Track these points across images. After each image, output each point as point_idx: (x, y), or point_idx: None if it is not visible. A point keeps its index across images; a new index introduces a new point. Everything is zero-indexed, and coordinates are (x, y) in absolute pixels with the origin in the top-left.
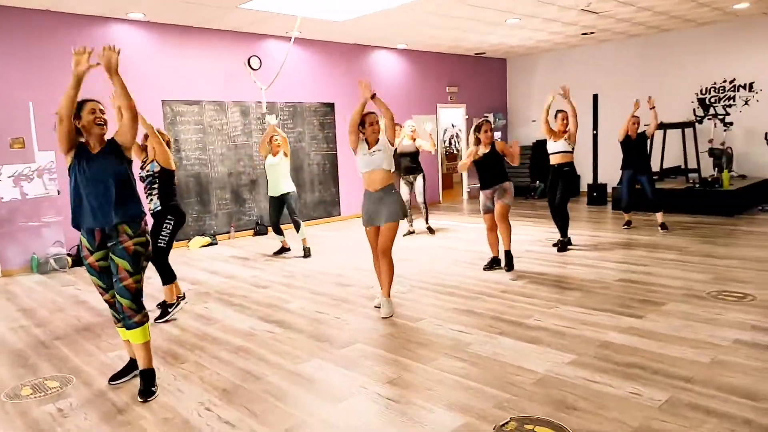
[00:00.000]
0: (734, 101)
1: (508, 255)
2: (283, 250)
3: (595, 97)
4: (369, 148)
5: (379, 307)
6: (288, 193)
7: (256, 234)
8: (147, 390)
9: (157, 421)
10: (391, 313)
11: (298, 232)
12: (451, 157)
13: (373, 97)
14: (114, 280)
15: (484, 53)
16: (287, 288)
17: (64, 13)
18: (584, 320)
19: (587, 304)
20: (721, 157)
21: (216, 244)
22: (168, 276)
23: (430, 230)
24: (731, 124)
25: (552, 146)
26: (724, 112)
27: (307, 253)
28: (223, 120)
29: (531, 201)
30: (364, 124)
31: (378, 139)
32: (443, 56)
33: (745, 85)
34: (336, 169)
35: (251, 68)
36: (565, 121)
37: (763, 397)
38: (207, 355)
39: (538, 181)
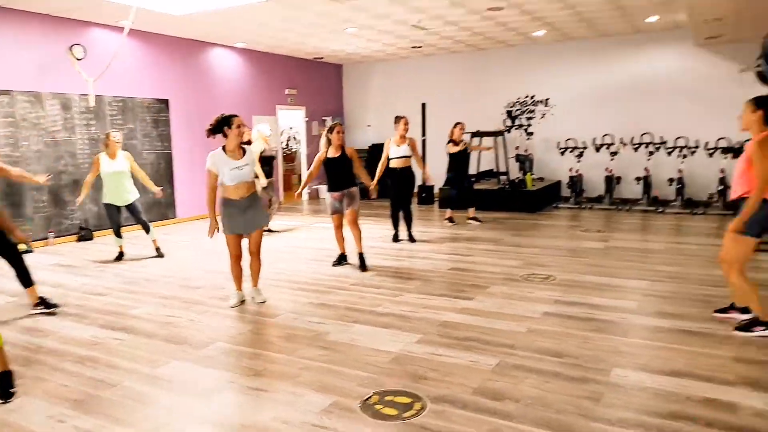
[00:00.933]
0: (534, 114)
1: (362, 257)
2: (121, 255)
3: (423, 105)
4: (237, 160)
5: (235, 306)
6: (135, 201)
7: (80, 240)
8: (5, 392)
9: None
10: (266, 299)
11: (148, 233)
12: (289, 158)
13: None
14: None
15: (322, 58)
16: (129, 294)
17: None
18: (425, 304)
19: (427, 291)
20: (525, 162)
21: (31, 251)
22: (26, 279)
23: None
24: (532, 133)
25: (395, 151)
26: (527, 123)
27: (159, 252)
28: (39, 113)
29: (368, 201)
30: (230, 125)
31: (245, 151)
32: (283, 58)
33: (543, 100)
34: (171, 169)
35: (75, 58)
36: (406, 127)
37: (566, 354)
38: (47, 368)
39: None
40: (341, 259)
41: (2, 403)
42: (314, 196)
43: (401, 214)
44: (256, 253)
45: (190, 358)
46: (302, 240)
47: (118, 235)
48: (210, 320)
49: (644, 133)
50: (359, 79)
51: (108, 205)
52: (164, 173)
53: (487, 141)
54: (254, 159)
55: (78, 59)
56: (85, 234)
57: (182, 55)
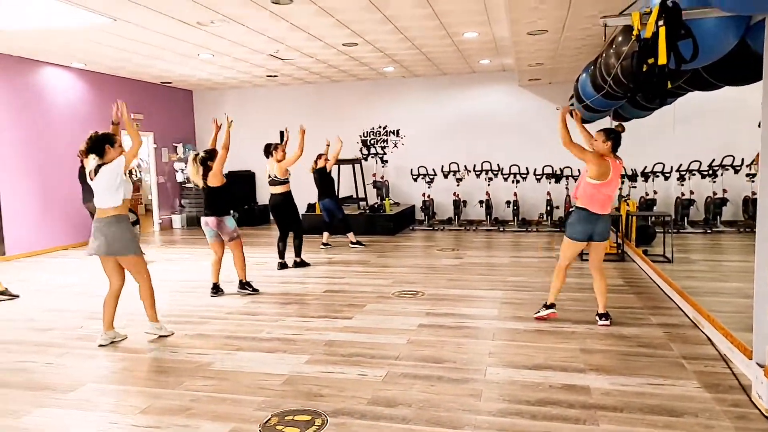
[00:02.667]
0: (387, 143)
1: (248, 283)
2: None
3: (281, 133)
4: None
5: (104, 345)
6: None
7: None
8: None
9: None
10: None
11: None
12: (135, 187)
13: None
14: None
15: (170, 83)
16: None
17: None
18: (308, 326)
19: (306, 314)
20: (382, 188)
21: None
22: None
23: None
24: (387, 161)
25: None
26: (381, 152)
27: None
28: None
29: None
30: (114, 143)
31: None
32: (127, 81)
33: (394, 130)
34: None
35: None
36: (283, 153)
37: (445, 360)
38: None
39: (232, 211)
40: (216, 289)
41: None
42: (167, 227)
43: (289, 240)
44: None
45: (59, 404)
46: (165, 272)
47: None
48: (73, 362)
49: (484, 161)
50: (210, 106)
51: None
52: None
53: (345, 168)
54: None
55: None
56: None
57: (9, 73)
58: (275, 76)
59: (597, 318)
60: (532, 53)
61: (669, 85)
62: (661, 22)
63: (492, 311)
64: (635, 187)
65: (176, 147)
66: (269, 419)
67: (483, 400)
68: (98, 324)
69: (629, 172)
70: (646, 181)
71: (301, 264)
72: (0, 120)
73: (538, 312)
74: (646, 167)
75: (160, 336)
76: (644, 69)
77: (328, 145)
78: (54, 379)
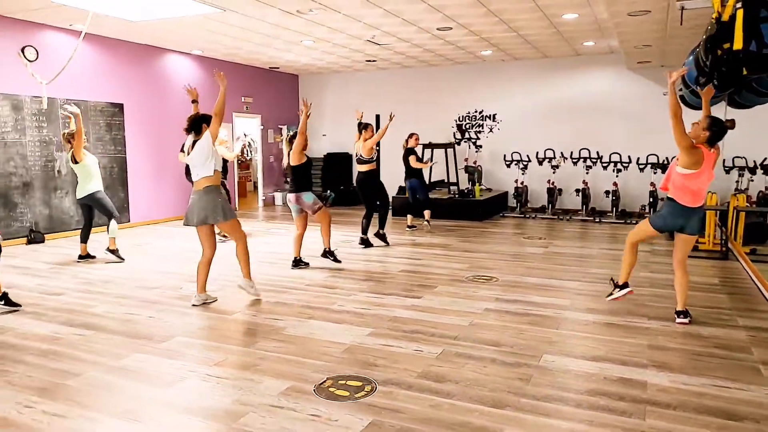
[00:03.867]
0: (482, 128)
1: (331, 252)
2: (89, 256)
3: (377, 117)
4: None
5: (196, 305)
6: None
7: (30, 242)
8: None
9: None
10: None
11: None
12: (244, 166)
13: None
14: None
15: (278, 68)
16: (86, 294)
17: None
18: (377, 302)
19: (379, 291)
20: (474, 173)
21: None
22: None
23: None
24: (481, 146)
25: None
26: (475, 137)
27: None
28: None
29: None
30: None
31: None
32: (239, 66)
33: (490, 115)
34: (125, 174)
35: (27, 59)
36: (371, 134)
37: (503, 344)
38: (9, 361)
39: (329, 191)
40: (297, 263)
41: None
42: (270, 203)
43: (375, 215)
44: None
45: (152, 351)
46: (257, 245)
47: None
48: (169, 317)
49: (582, 149)
50: (315, 90)
51: (102, 194)
52: (118, 177)
53: (438, 152)
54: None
55: (30, 61)
56: (35, 237)
57: (138, 60)
58: (374, 60)
59: (675, 315)
60: (637, 35)
61: (744, 72)
62: (739, 4)
63: (564, 301)
64: (753, 180)
65: (281, 129)
66: (324, 381)
67: (531, 384)
68: (195, 286)
69: (750, 164)
70: (766, 173)
71: (381, 237)
72: (130, 102)
73: (611, 294)
74: (765, 159)
75: (250, 295)
76: (719, 54)
77: (431, 163)
78: (152, 331)
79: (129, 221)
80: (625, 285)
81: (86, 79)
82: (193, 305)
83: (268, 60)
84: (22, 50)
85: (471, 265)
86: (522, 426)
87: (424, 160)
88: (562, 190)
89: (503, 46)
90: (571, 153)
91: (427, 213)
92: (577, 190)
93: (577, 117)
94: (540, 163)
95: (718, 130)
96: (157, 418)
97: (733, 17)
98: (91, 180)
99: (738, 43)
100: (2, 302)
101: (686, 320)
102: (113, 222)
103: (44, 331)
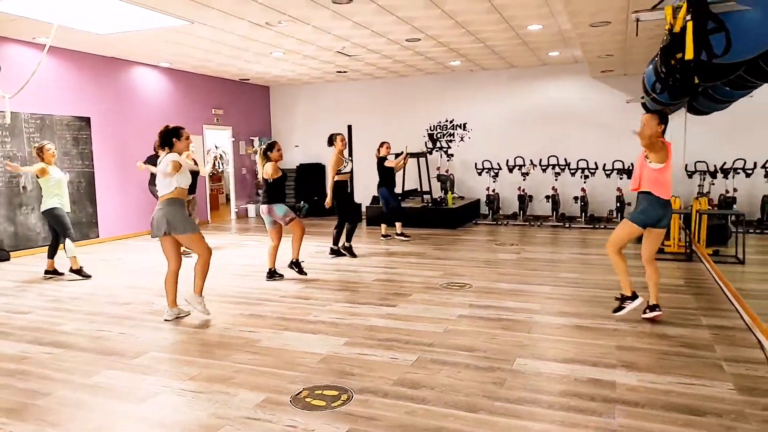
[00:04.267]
0: (453, 137)
1: (297, 263)
2: (56, 272)
3: (350, 127)
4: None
5: (169, 320)
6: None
7: None
8: None
9: None
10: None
11: (65, 250)
12: (216, 178)
13: None
14: None
15: (248, 79)
16: (55, 311)
17: None
18: (352, 312)
19: (354, 300)
20: (446, 181)
21: None
22: None
23: None
24: (452, 155)
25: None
26: (447, 146)
27: (81, 272)
28: None
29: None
30: (180, 137)
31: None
32: (209, 78)
33: (461, 124)
34: (93, 188)
35: None
36: (344, 143)
37: (477, 349)
38: None
39: (302, 202)
40: (274, 274)
41: None
42: (242, 215)
43: (346, 227)
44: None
45: (124, 368)
46: (232, 257)
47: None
48: (141, 333)
49: (551, 156)
50: (286, 101)
51: (61, 212)
52: (86, 192)
53: (411, 162)
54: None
55: None
56: (0, 254)
57: (104, 73)
58: (345, 72)
59: (648, 310)
60: (599, 45)
61: (696, 81)
62: (689, 16)
63: (535, 306)
64: (714, 184)
65: (253, 141)
66: (300, 392)
67: (504, 388)
68: (166, 301)
69: (710, 168)
70: (726, 177)
71: (348, 249)
72: (95, 116)
73: (622, 309)
74: (725, 163)
75: (198, 312)
76: (672, 63)
77: (406, 154)
78: (123, 347)
79: (98, 236)
80: (634, 296)
81: (52, 93)
82: (165, 320)
83: (238, 72)
84: None
85: (445, 273)
86: (495, 429)
87: (396, 159)
88: (533, 197)
89: (471, 56)
90: (540, 160)
91: (398, 225)
92: (547, 197)
93: (545, 125)
94: (510, 170)
95: (667, 119)
96: None
97: (684, 29)
98: (53, 195)
99: (689, 54)
100: None
101: (660, 312)
102: (68, 241)
103: (12, 351)
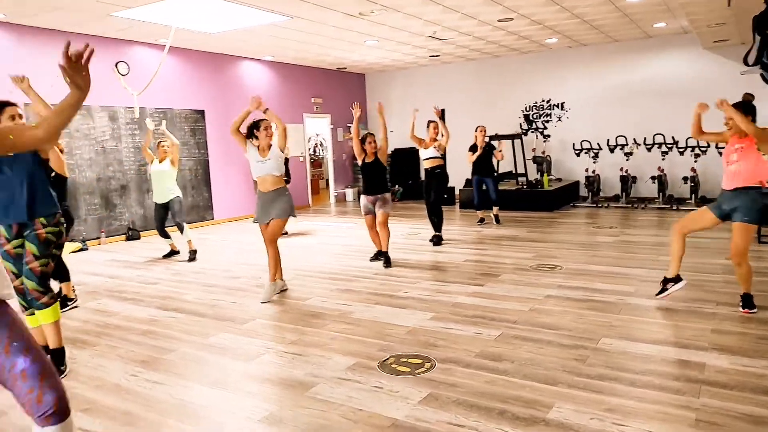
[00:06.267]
0: (550, 117)
1: (387, 255)
2: (173, 253)
3: (443, 111)
4: (262, 156)
5: (277, 293)
6: (173, 199)
7: (128, 239)
8: (57, 368)
9: (90, 388)
10: (269, 299)
11: (182, 234)
12: (316, 164)
13: (266, 111)
14: (23, 264)
15: (345, 68)
16: (178, 283)
17: None
18: (440, 290)
19: (443, 279)
20: (542, 163)
21: (87, 249)
22: (64, 275)
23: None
24: (549, 136)
25: (423, 153)
26: (543, 126)
27: (192, 256)
28: (90, 125)
29: (393, 203)
30: (259, 128)
31: (270, 146)
32: (308, 69)
33: (558, 104)
34: (208, 175)
35: (120, 74)
36: (436, 131)
37: (561, 328)
38: (116, 339)
39: (397, 185)
40: (378, 255)
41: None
42: (341, 199)
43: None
44: (271, 243)
45: (235, 331)
46: (329, 238)
47: (164, 235)
48: (250, 303)
49: (656, 134)
50: (381, 87)
51: (155, 205)
52: (202, 178)
53: (505, 143)
54: (279, 154)
55: (122, 75)
56: (132, 234)
57: (216, 68)
58: (437, 55)
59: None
60: (706, 14)
61: None
62: None
63: (629, 288)
64: None
65: (349, 127)
66: (387, 359)
67: (586, 364)
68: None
69: None
70: None
71: (436, 240)
72: (209, 108)
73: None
74: None
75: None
76: (766, 33)
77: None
78: (235, 314)
79: (213, 219)
80: (677, 278)
81: (171, 89)
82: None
83: (335, 61)
84: (116, 65)
85: (536, 255)
86: (573, 400)
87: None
88: (637, 178)
89: (568, 33)
90: (644, 139)
91: (495, 209)
92: (653, 177)
93: (649, 101)
94: (611, 150)
95: (753, 108)
96: (240, 387)
97: None
98: (175, 184)
99: None
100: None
101: (754, 310)
102: (185, 225)
103: (143, 315)
